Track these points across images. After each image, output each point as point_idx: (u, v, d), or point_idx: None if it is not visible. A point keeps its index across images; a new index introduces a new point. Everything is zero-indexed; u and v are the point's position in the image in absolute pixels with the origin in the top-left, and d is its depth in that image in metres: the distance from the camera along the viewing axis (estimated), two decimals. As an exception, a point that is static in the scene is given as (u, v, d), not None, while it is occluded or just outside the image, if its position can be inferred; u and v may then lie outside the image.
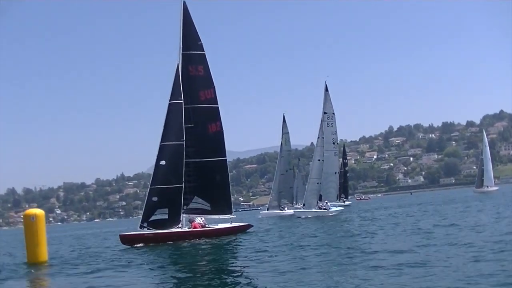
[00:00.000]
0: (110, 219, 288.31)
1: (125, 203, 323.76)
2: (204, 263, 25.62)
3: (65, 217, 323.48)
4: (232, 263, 25.36)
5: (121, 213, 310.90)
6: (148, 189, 40.70)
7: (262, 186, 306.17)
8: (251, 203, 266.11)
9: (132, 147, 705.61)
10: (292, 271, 19.58)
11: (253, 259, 24.51)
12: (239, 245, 33.52)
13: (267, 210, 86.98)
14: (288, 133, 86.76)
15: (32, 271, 26.91)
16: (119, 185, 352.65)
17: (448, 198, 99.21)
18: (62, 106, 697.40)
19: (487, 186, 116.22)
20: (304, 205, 70.39)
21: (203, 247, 34.02)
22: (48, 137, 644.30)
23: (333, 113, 72.16)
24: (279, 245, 30.28)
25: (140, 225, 39.50)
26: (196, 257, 28.48)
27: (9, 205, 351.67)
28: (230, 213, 42.60)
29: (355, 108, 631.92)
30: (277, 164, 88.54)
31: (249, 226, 44.44)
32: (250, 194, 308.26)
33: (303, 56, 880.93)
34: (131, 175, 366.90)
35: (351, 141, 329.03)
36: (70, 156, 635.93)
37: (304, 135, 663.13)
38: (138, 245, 37.39)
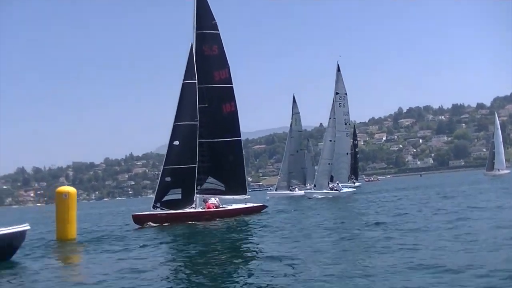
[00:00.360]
0: (119, 198, 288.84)
1: (133, 183, 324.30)
2: (223, 243, 25.39)
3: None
4: (255, 242, 25.02)
5: (130, 192, 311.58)
6: (162, 169, 40.58)
7: (271, 166, 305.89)
8: (261, 183, 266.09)
9: (141, 127, 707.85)
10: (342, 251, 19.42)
11: (283, 239, 24.48)
12: (255, 225, 33.32)
13: (275, 190, 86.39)
14: (298, 113, 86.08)
15: (64, 248, 27.21)
16: (128, 164, 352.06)
17: (462, 180, 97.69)
18: (72, 85, 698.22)
19: (498, 169, 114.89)
20: (315, 185, 70.08)
21: (218, 227, 33.80)
22: (57, 116, 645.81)
23: (345, 94, 71.69)
24: (308, 225, 30.08)
25: (153, 205, 39.32)
26: (214, 238, 28.26)
27: (18, 184, 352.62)
28: (245, 193, 42.42)
29: (364, 90, 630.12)
30: (287, 145, 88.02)
31: (264, 206, 44.06)
32: (260, 174, 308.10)
33: (312, 35, 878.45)
34: (140, 155, 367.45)
35: (360, 122, 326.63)
36: (79, 136, 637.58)
37: (313, 116, 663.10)
38: (151, 225, 37.22)
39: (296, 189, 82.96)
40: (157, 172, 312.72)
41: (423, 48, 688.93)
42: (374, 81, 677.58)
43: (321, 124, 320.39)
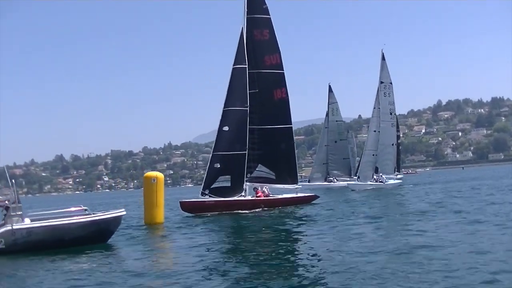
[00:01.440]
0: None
1: (172, 172, 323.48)
2: (285, 234, 24.83)
3: (113, 184, 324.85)
4: (310, 234, 24.04)
5: (169, 181, 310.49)
6: (210, 155, 39.81)
7: (310, 157, 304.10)
8: (303, 174, 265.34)
9: (180, 117, 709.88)
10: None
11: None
12: (306, 216, 32.53)
13: (308, 182, 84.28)
14: (336, 102, 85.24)
15: (155, 231, 28.10)
16: (167, 154, 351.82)
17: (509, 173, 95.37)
18: (110, 74, 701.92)
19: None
20: (358, 177, 68.93)
21: (271, 216, 33.12)
22: (96, 104, 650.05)
23: (390, 83, 70.28)
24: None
25: (202, 192, 38.58)
26: (277, 227, 27.58)
27: (57, 171, 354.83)
28: (296, 183, 41.44)
29: (404, 82, 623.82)
30: (321, 135, 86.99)
31: (315, 197, 42.79)
32: (302, 165, 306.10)
33: (350, 28, 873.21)
34: (179, 144, 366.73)
35: (399, 114, 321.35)
36: (118, 124, 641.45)
37: (351, 108, 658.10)
38: (202, 214, 36.61)
39: (335, 180, 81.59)
40: (195, 162, 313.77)
41: (463, 41, 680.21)
42: (413, 73, 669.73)
43: (359, 115, 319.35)
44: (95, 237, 22.20)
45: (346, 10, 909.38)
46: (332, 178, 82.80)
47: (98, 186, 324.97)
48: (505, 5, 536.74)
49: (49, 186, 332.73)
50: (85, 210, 22.73)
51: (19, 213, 21.38)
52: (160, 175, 32.04)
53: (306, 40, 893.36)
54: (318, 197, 43.23)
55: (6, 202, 21.40)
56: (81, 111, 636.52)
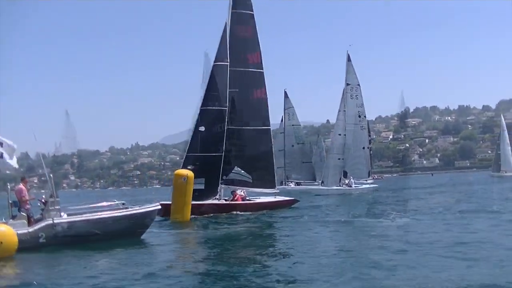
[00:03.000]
0: (125, 188, 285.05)
1: (139, 173, 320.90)
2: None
3: (79, 183, 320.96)
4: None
5: (136, 182, 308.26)
6: (184, 156, 38.44)
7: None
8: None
9: (147, 117, 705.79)
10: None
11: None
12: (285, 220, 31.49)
13: None
14: (292, 107, 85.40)
15: (186, 228, 29.08)
16: (134, 154, 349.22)
17: (480, 180, 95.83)
18: (80, 73, 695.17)
19: (505, 171, 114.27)
20: (322, 181, 67.97)
21: (251, 221, 31.95)
22: (62, 103, 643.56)
23: (358, 84, 68.18)
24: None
25: (174, 194, 37.29)
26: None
27: (21, 169, 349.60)
28: (273, 187, 39.91)
29: (372, 88, 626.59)
30: (275, 140, 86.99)
31: (295, 201, 41.29)
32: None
33: (323, 34, 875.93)
34: (146, 145, 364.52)
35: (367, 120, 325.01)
36: (84, 123, 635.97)
37: (320, 112, 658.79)
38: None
39: (291, 184, 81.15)
40: (163, 163, 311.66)
41: (431, 50, 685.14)
42: (381, 79, 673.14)
43: (328, 120, 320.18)
44: (132, 231, 22.69)
45: (319, 17, 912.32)
46: (287, 182, 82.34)
47: (64, 185, 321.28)
48: (474, 15, 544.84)
49: (13, 184, 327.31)
50: (123, 204, 23.36)
51: (57, 207, 21.99)
52: (190, 173, 32.56)
53: (285, 39, 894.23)
54: (298, 201, 41.74)
55: (43, 196, 22.50)
56: (47, 108, 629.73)
